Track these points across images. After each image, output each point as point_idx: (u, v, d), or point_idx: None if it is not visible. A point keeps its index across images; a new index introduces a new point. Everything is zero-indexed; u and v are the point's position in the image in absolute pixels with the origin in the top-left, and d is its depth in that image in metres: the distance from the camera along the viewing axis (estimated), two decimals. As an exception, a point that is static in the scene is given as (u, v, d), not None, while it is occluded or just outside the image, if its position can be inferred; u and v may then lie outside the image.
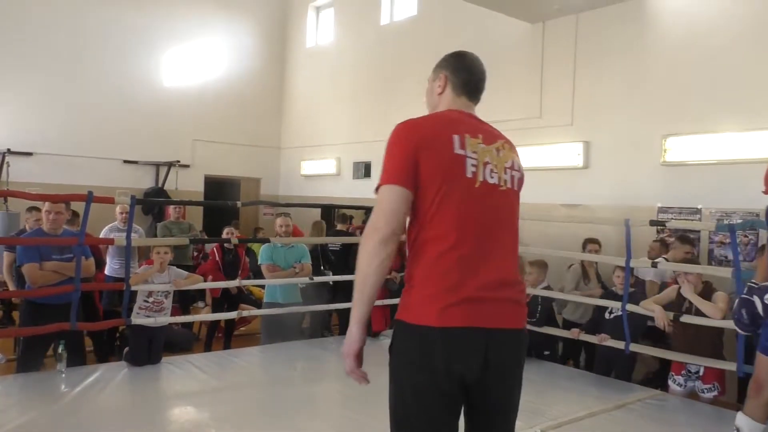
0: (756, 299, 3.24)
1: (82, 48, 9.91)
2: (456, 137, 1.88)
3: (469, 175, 1.86)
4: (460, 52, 2.13)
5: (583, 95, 7.20)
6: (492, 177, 1.91)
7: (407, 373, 1.85)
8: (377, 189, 1.86)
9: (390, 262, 1.81)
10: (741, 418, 3.27)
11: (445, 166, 1.84)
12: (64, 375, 4.49)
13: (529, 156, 7.51)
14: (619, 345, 4.79)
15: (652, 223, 5.18)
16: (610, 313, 5.09)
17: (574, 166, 7.18)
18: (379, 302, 6.26)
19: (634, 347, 4.75)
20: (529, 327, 4.46)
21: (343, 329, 6.69)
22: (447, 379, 1.80)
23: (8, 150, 9.06)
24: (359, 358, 1.89)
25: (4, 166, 9.02)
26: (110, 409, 2.97)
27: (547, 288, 5.53)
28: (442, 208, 1.83)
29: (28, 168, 9.21)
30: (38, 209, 5.64)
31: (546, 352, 5.46)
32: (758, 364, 3.28)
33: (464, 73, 2.08)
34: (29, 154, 9.33)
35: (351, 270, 6.31)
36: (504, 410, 1.95)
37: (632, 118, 6.73)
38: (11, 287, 5.00)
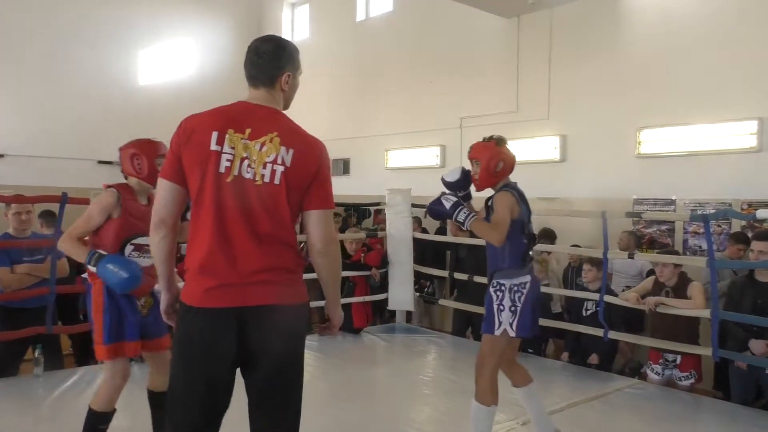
0: None
1: (54, 46, 9.71)
2: (215, 134, 1.96)
3: (221, 170, 1.95)
4: (251, 44, 2.13)
5: (558, 89, 7.27)
6: (248, 172, 1.96)
7: None
8: None
9: (166, 246, 2.06)
10: None
11: (198, 160, 1.95)
12: (41, 379, 4.42)
13: (510, 150, 7.57)
14: (598, 333, 4.86)
15: (629, 214, 5.27)
16: (587, 310, 5.16)
17: (551, 159, 7.24)
18: (359, 299, 6.29)
19: (613, 335, 4.82)
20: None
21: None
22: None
23: (-21, 152, 8.88)
24: None
25: (-25, 168, 8.85)
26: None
27: (546, 285, 5.56)
28: (197, 202, 1.97)
29: (1, 170, 9.03)
30: None
31: (529, 350, 5.52)
32: None
33: (245, 65, 2.12)
34: (0, 156, 9.15)
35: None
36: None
37: (607, 111, 6.81)
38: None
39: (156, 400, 3.06)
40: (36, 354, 4.52)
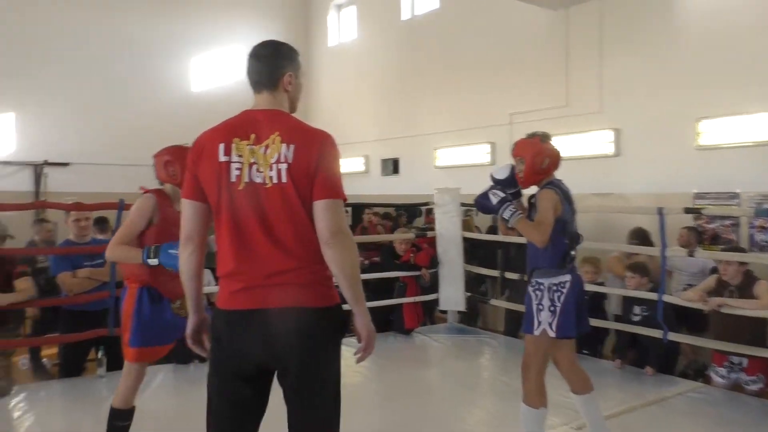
0: None
1: (113, 58, 10.11)
2: (222, 145, 2.00)
3: (233, 179, 1.98)
4: (249, 52, 2.14)
5: (611, 81, 7.05)
6: (258, 177, 1.98)
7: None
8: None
9: (193, 262, 2.10)
10: None
11: (211, 174, 1.99)
12: (104, 379, 4.59)
13: (557, 145, 7.39)
14: (656, 334, 4.68)
15: (687, 210, 5.05)
16: (635, 315, 4.98)
17: (605, 154, 7.03)
18: (410, 299, 6.27)
19: (673, 336, 4.64)
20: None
21: (376, 327, 6.66)
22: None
23: (45, 161, 9.30)
24: None
25: (42, 177, 9.27)
26: (151, 411, 3.05)
27: (601, 284, 5.44)
28: (217, 213, 2.01)
29: (66, 178, 9.45)
30: (47, 221, 5.81)
31: (585, 351, 5.38)
32: None
33: (246, 72, 2.14)
34: (66, 164, 9.56)
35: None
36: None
37: (664, 102, 6.56)
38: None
39: None
40: (99, 355, 4.70)
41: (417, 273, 6.35)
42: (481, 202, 3.22)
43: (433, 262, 6.41)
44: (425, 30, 9.74)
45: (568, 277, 3.08)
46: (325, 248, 1.98)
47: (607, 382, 4.66)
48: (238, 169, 1.97)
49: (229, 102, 12.27)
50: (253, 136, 2.00)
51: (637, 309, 4.97)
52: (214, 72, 11.20)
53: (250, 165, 1.97)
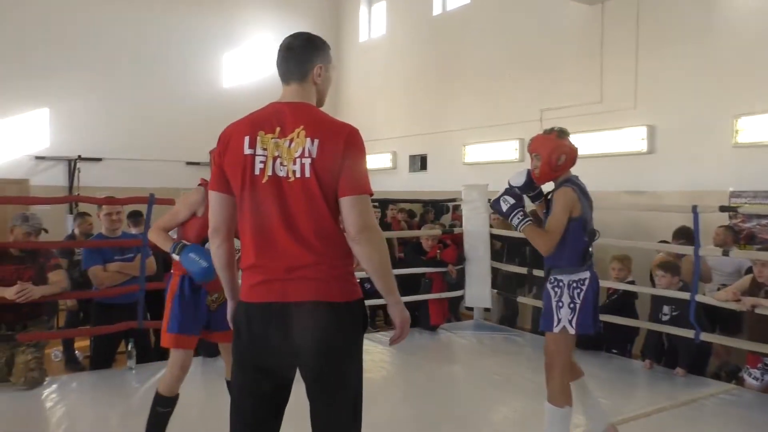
0: None
1: (144, 55, 10.26)
2: (247, 138, 1.99)
3: (257, 172, 1.97)
4: (280, 44, 2.13)
5: (646, 77, 6.89)
6: (281, 170, 1.97)
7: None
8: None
9: (224, 254, 2.16)
10: None
11: (236, 167, 1.99)
12: (134, 371, 4.67)
13: (589, 142, 7.27)
14: (688, 334, 4.57)
15: (722, 208, 4.92)
16: (664, 315, 4.87)
17: (638, 151, 6.88)
18: (436, 295, 6.24)
19: (706, 337, 4.53)
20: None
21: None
22: None
23: (79, 156, 9.49)
24: None
25: (76, 171, 9.47)
26: (181, 403, 3.08)
27: (632, 283, 5.34)
28: (240, 206, 2.02)
29: (98, 173, 9.63)
30: (88, 215, 5.91)
31: (614, 350, 5.30)
32: None
33: (276, 63, 2.13)
34: (99, 159, 9.75)
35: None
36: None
37: (700, 98, 6.39)
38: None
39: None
40: (129, 347, 4.78)
41: (443, 269, 6.31)
42: (495, 207, 3.28)
43: (460, 258, 6.37)
44: (456, 25, 9.66)
45: (587, 274, 3.09)
46: (353, 244, 1.98)
47: (637, 383, 4.58)
48: (262, 162, 1.97)
49: (259, 98, 12.41)
50: (278, 129, 1.99)
51: (665, 309, 4.87)
52: (245, 68, 11.28)
53: (274, 158, 1.96)
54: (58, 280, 4.35)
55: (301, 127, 1.98)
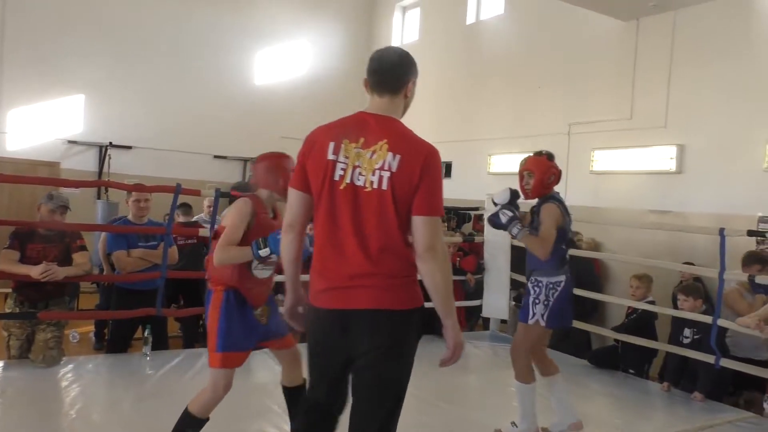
0: None
1: (180, 48, 10.39)
2: (332, 144, 2.10)
3: (336, 178, 2.07)
4: (373, 54, 2.25)
5: (678, 96, 6.81)
6: (359, 180, 2.06)
7: None
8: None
9: (294, 247, 2.25)
10: None
11: (318, 171, 2.10)
12: (148, 358, 4.72)
13: (616, 159, 7.21)
14: (708, 359, 4.49)
15: (750, 233, 4.83)
16: (685, 338, 4.79)
17: (666, 170, 6.79)
18: (457, 303, 6.21)
19: (726, 363, 4.44)
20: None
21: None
22: None
23: (110, 143, 9.64)
24: None
25: (107, 158, 9.62)
26: (191, 392, 3.08)
27: (651, 303, 5.27)
28: (317, 208, 2.13)
29: (128, 161, 9.77)
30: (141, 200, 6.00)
31: (631, 371, 5.23)
32: None
33: (371, 73, 2.21)
34: (129, 147, 9.89)
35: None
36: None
37: (733, 120, 6.29)
38: (107, 270, 5.33)
39: (289, 395, 3.18)
40: (145, 333, 4.84)
41: (462, 278, 6.28)
42: (493, 221, 3.67)
43: (479, 267, 6.34)
44: (488, 35, 9.65)
45: (563, 278, 3.57)
46: (418, 261, 2.07)
47: (654, 404, 4.51)
48: (342, 169, 2.07)
49: (290, 97, 12.63)
50: (362, 139, 2.09)
51: (687, 332, 4.79)
52: (277, 67, 11.38)
53: (354, 167, 2.06)
54: (83, 262, 4.42)
55: (385, 140, 2.07)
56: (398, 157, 2.04)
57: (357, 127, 2.12)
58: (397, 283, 2.07)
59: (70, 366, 4.37)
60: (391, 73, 2.18)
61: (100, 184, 8.06)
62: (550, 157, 3.64)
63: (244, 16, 10.97)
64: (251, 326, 2.99)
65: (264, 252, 2.86)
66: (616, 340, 5.46)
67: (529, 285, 3.63)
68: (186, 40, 10.44)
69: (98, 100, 9.85)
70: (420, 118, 10.60)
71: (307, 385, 2.27)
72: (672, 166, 6.73)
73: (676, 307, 5.53)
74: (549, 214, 3.48)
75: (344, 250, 2.06)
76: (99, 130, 9.77)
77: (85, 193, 9.05)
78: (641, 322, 5.22)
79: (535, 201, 3.67)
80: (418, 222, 2.05)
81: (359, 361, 2.08)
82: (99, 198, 9.26)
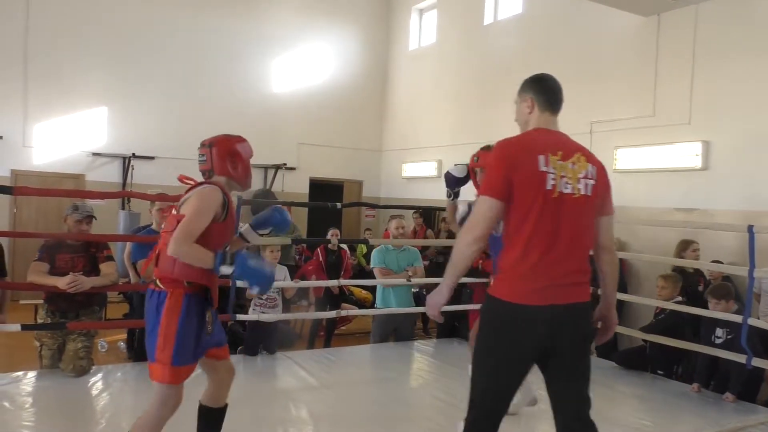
0: None
1: (198, 58, 10.52)
2: (541, 157, 2.33)
3: (548, 187, 2.31)
4: (540, 77, 2.59)
5: (702, 92, 6.70)
6: (566, 188, 2.34)
7: None
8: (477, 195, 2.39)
9: (476, 257, 2.37)
10: None
11: (532, 182, 2.30)
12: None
13: (640, 157, 7.11)
14: (740, 359, 4.40)
15: (781, 229, 4.72)
16: (717, 338, 4.69)
17: (691, 167, 6.69)
18: (476, 306, 6.16)
19: (759, 362, 4.34)
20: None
21: (441, 332, 6.63)
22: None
23: (133, 154, 9.78)
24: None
25: (129, 168, 9.76)
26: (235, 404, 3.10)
27: (680, 302, 5.19)
28: (526, 216, 2.30)
29: (151, 171, 9.89)
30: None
31: (659, 372, 5.15)
32: None
33: (548, 92, 2.54)
34: (151, 158, 10.03)
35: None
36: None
37: (759, 114, 6.16)
38: (133, 277, 5.40)
39: (210, 416, 2.88)
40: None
41: (485, 280, 6.24)
42: (448, 178, 3.81)
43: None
44: (506, 35, 9.60)
45: None
46: (605, 253, 2.54)
47: (683, 406, 4.43)
48: (552, 179, 2.32)
49: (306, 104, 12.71)
50: (560, 153, 2.37)
51: (719, 331, 4.70)
52: (294, 73, 11.44)
53: (560, 177, 2.33)
54: (110, 272, 4.48)
55: (579, 153, 2.43)
56: (594, 168, 2.43)
57: (552, 142, 2.40)
58: (587, 279, 2.42)
59: (100, 375, 4.44)
60: (561, 94, 2.55)
61: (122, 195, 8.18)
62: None
63: (260, 24, 11.07)
64: (204, 336, 2.68)
65: (226, 270, 2.58)
66: (645, 341, 5.38)
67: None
68: (203, 50, 10.57)
69: (120, 112, 10.01)
70: (439, 120, 10.68)
71: (483, 396, 2.40)
72: (697, 162, 6.62)
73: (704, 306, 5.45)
74: None
75: (558, 251, 2.30)
76: (122, 141, 9.93)
77: (109, 204, 9.19)
78: (669, 322, 5.14)
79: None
80: (608, 221, 2.53)
81: (562, 349, 2.33)
82: (123, 208, 9.40)
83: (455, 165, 3.90)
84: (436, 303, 2.43)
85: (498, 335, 2.36)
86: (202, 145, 2.88)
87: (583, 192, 2.36)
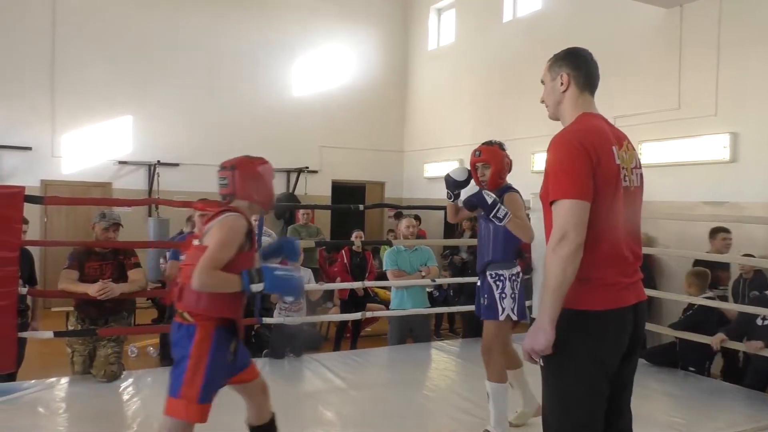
0: None
1: (220, 65, 10.64)
2: (614, 148, 2.09)
3: (625, 183, 2.10)
4: (575, 50, 2.34)
5: (728, 83, 6.58)
6: (626, 180, 2.12)
7: None
8: (555, 199, 2.02)
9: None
10: None
11: (611, 177, 2.04)
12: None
13: (666, 150, 7.01)
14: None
15: (814, 221, 4.62)
16: (764, 319, 4.60)
17: (719, 160, 6.56)
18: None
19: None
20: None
21: (467, 332, 6.59)
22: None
23: (158, 161, 9.92)
24: None
25: (155, 176, 9.90)
26: (242, 403, 3.12)
27: (710, 298, 5.10)
28: (607, 213, 2.03)
29: (176, 177, 10.03)
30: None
31: (691, 368, 5.06)
32: None
33: (585, 68, 2.28)
34: (176, 165, 10.16)
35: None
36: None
37: (789, 104, 6.04)
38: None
39: (263, 431, 2.84)
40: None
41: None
42: (473, 202, 3.41)
43: (527, 268, 6.24)
44: (526, 31, 9.53)
45: (518, 268, 3.54)
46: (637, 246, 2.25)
47: (716, 403, 4.34)
48: (624, 173, 2.11)
49: (327, 106, 12.74)
50: (621, 142, 2.16)
51: (759, 320, 4.59)
52: (314, 76, 11.50)
53: (622, 168, 2.12)
54: (138, 279, 4.55)
55: (626, 141, 2.20)
56: (637, 157, 2.23)
57: (609, 129, 2.16)
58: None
59: (130, 380, 4.50)
60: (599, 71, 2.33)
61: (149, 202, 8.32)
62: (502, 147, 3.63)
63: (279, 29, 11.15)
64: (228, 367, 2.61)
65: (257, 287, 2.49)
66: (676, 337, 5.30)
67: (489, 280, 3.48)
68: (224, 56, 10.68)
69: (145, 120, 10.17)
70: (460, 119, 10.63)
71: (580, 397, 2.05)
72: (725, 155, 6.50)
73: (735, 300, 5.35)
74: (514, 201, 3.46)
75: (631, 248, 2.12)
76: (147, 149, 10.08)
77: (136, 211, 9.34)
78: (700, 318, 5.05)
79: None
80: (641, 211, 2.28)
81: (632, 349, 2.16)
82: (150, 215, 9.53)
83: (455, 167, 3.84)
84: (541, 345, 1.95)
85: (591, 352, 2.02)
86: (223, 167, 2.69)
87: (636, 183, 2.16)
